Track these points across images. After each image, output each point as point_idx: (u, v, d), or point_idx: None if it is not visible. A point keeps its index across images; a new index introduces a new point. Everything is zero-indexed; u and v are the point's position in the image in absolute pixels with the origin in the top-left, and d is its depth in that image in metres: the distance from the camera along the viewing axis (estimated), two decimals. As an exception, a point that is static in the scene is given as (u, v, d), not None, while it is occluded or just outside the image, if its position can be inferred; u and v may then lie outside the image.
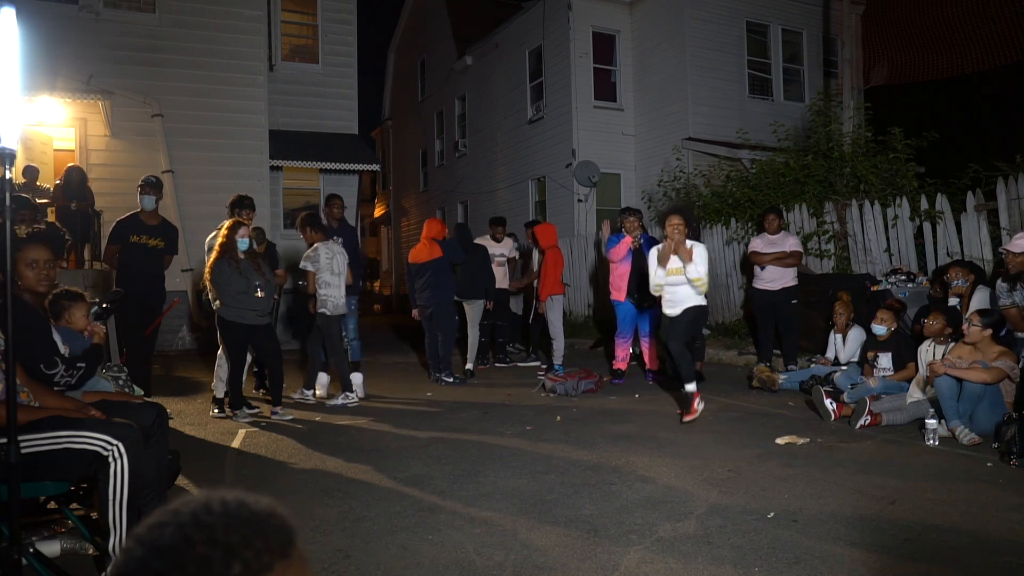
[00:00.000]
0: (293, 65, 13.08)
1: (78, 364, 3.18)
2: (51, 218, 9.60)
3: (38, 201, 8.60)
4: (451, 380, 7.44)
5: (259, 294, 5.50)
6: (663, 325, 5.80)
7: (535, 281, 8.60)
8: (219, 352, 6.07)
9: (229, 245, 5.48)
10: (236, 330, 5.57)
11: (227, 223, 5.64)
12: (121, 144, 10.94)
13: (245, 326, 5.57)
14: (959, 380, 4.66)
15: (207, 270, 5.54)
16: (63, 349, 3.28)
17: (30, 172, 9.23)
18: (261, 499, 0.77)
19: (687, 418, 5.34)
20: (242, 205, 6.03)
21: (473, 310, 7.93)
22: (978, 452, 4.35)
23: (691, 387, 5.40)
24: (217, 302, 5.62)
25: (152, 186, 6.15)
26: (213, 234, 6.10)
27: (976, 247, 7.43)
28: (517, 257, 9.63)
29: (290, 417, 5.74)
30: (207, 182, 11.10)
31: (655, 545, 2.99)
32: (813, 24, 14.39)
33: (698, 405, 5.37)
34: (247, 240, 5.56)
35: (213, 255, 5.52)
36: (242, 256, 5.53)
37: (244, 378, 6.02)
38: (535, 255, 8.91)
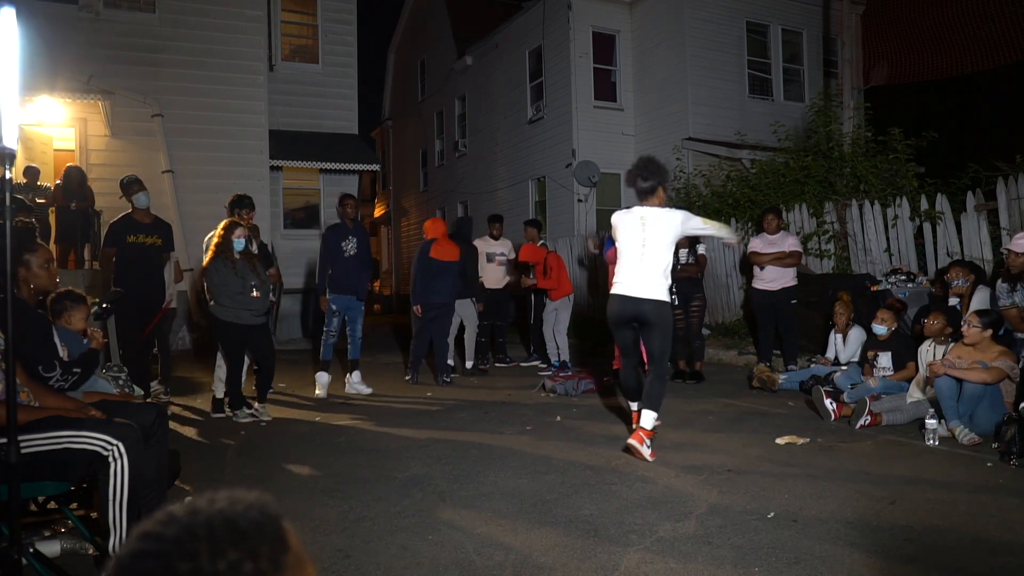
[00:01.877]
0: (293, 65, 13.09)
1: (74, 369, 3.18)
2: (51, 218, 9.62)
3: (38, 201, 8.62)
4: (448, 381, 7.46)
5: (255, 294, 5.50)
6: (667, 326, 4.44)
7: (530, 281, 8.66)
8: (218, 352, 6.08)
9: (225, 245, 5.47)
10: (232, 330, 5.57)
11: (223, 223, 5.63)
12: (121, 144, 10.94)
13: (241, 326, 5.56)
14: (959, 380, 4.66)
15: (203, 269, 5.55)
16: (62, 351, 3.28)
17: (31, 172, 9.24)
18: (250, 505, 0.72)
19: (634, 441, 4.26)
20: (241, 204, 6.03)
21: (465, 309, 7.98)
22: (978, 452, 4.35)
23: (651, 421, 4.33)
24: (212, 302, 5.63)
25: (141, 182, 6.14)
26: (211, 234, 6.10)
27: (976, 247, 7.43)
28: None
29: (269, 417, 5.70)
30: (207, 182, 11.10)
31: (655, 545, 2.99)
32: (813, 24, 14.39)
33: (644, 447, 4.22)
34: (243, 240, 5.55)
35: (208, 255, 5.52)
36: (238, 256, 5.53)
37: (244, 378, 6.02)
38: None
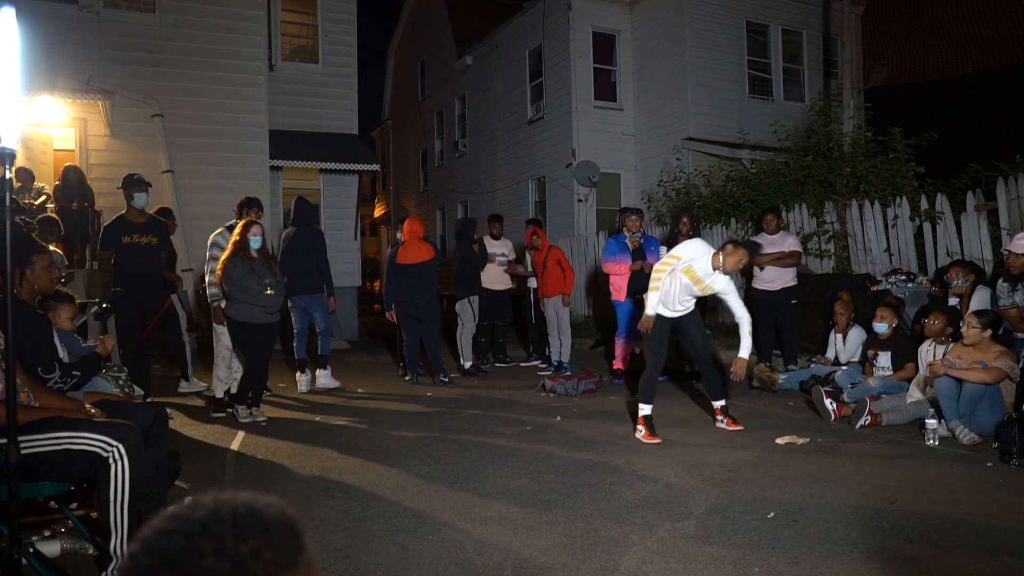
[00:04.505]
0: (293, 65, 13.08)
1: (74, 372, 3.18)
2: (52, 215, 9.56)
3: (35, 203, 8.59)
4: (447, 380, 7.47)
5: (269, 292, 5.52)
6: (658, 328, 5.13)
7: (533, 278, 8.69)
8: (216, 352, 6.07)
9: (242, 243, 5.52)
10: (248, 330, 5.58)
11: (242, 221, 5.68)
12: (121, 144, 10.93)
13: (256, 325, 5.58)
14: (959, 380, 4.66)
15: (219, 265, 5.56)
16: (62, 352, 3.28)
17: (23, 174, 9.18)
18: (271, 503, 0.75)
19: (733, 427, 5.06)
20: (250, 205, 6.11)
21: (461, 308, 7.99)
22: (978, 452, 4.35)
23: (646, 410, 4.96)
24: (222, 301, 5.64)
25: (145, 183, 6.15)
26: (219, 231, 6.11)
27: (976, 247, 7.43)
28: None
29: (264, 418, 5.69)
30: (207, 182, 11.10)
31: (655, 545, 2.99)
32: (813, 24, 14.39)
33: (637, 432, 4.91)
34: (260, 239, 5.59)
35: (227, 252, 5.55)
36: (256, 255, 5.56)
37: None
38: (528, 256, 8.99)
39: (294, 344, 7.34)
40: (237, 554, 0.69)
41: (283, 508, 0.76)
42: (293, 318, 7.25)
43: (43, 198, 8.75)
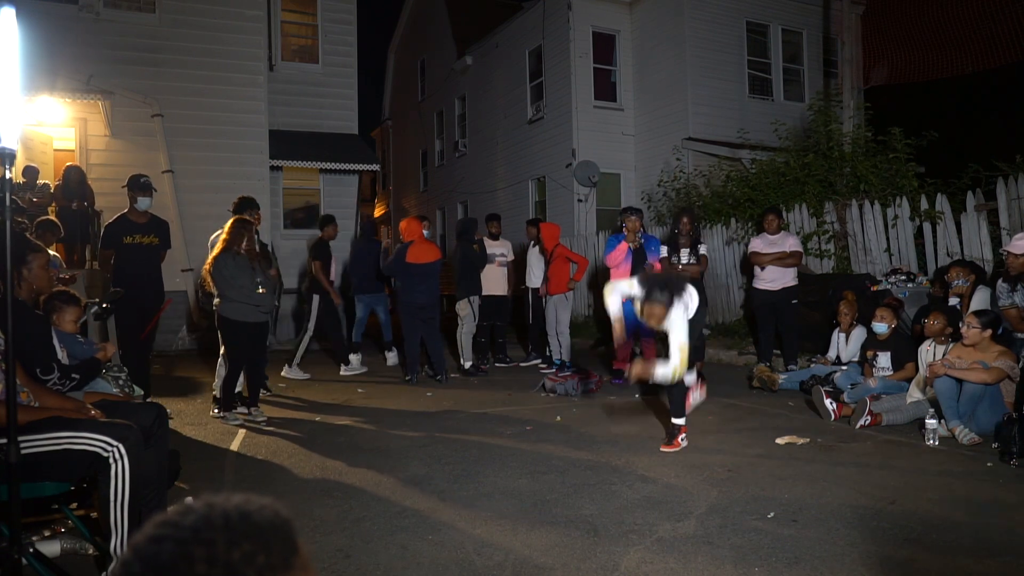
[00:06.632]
0: (293, 65, 13.08)
1: (72, 375, 3.17)
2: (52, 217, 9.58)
3: (34, 200, 8.60)
4: (444, 379, 7.48)
5: (261, 290, 5.50)
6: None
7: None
8: (222, 352, 6.06)
9: (232, 242, 5.49)
10: (239, 328, 5.56)
11: (230, 220, 5.64)
12: (121, 144, 10.93)
13: (248, 324, 5.56)
14: (959, 380, 4.66)
15: (207, 264, 5.53)
16: (61, 353, 3.27)
17: (30, 172, 9.22)
18: (264, 505, 0.74)
19: (666, 448, 4.60)
20: (249, 206, 6.09)
21: (461, 308, 8.02)
22: (978, 452, 4.35)
23: (680, 420, 4.69)
24: (217, 300, 5.62)
25: (151, 188, 6.13)
26: (217, 232, 6.11)
27: (976, 247, 7.43)
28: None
29: (264, 418, 5.67)
30: (207, 182, 11.10)
31: (655, 545, 2.99)
32: (813, 24, 14.39)
33: (682, 440, 4.65)
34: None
35: (216, 250, 5.52)
36: (243, 252, 5.54)
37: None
38: (533, 252, 9.01)
39: (354, 330, 8.58)
40: (229, 560, 0.68)
41: (277, 510, 0.75)
42: (357, 309, 8.55)
43: (38, 201, 8.71)
